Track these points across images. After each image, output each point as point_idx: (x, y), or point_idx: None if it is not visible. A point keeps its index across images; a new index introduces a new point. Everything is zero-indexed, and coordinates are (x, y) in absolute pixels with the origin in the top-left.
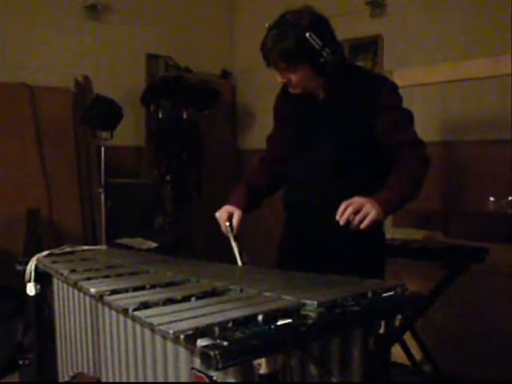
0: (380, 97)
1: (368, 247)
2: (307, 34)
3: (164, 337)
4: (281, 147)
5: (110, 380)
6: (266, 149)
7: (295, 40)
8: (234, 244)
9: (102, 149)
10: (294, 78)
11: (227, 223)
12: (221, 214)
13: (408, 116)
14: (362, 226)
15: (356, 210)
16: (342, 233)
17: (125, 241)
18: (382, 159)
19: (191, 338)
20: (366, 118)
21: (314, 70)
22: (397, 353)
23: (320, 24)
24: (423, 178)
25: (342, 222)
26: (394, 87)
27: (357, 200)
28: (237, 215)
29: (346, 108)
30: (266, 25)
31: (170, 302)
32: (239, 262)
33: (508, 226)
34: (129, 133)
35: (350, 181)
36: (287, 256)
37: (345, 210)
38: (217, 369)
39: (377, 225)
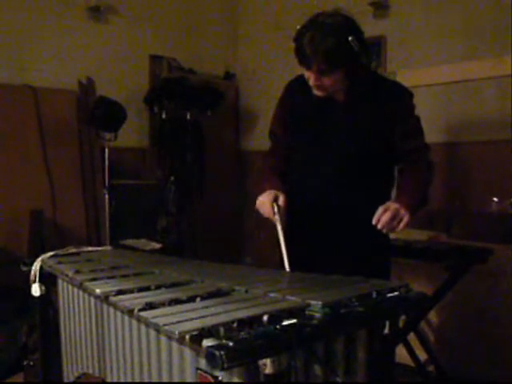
0: (401, 104)
1: (375, 248)
2: (350, 38)
3: (169, 337)
4: (288, 142)
5: (115, 380)
6: (273, 144)
7: (338, 42)
8: (280, 230)
9: (106, 150)
10: (327, 80)
11: (274, 205)
12: (264, 198)
13: (420, 123)
14: (398, 229)
15: (393, 215)
16: (351, 234)
17: (129, 242)
18: (392, 162)
19: (196, 338)
20: (385, 123)
21: (348, 74)
22: (400, 353)
23: (358, 28)
24: (431, 183)
25: (380, 226)
26: (411, 95)
27: (392, 205)
28: (282, 197)
29: (366, 112)
30: (298, 27)
31: (175, 302)
32: (286, 261)
33: (511, 227)
34: (132, 134)
35: (364, 184)
36: (294, 257)
37: (382, 214)
38: (222, 369)
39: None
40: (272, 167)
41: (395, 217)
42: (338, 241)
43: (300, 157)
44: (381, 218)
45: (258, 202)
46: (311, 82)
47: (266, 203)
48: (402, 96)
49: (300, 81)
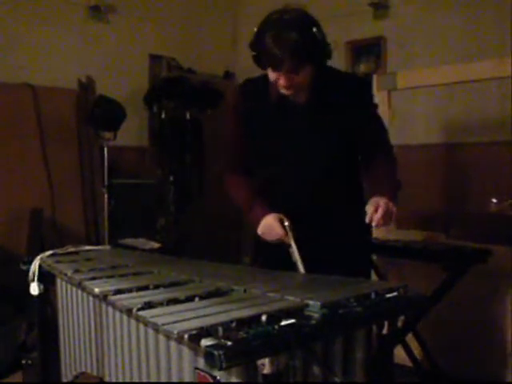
0: (362, 97)
1: (358, 247)
2: (314, 29)
3: (168, 336)
4: (248, 150)
5: (114, 380)
6: (233, 156)
7: (303, 36)
8: (295, 248)
9: (105, 149)
10: (298, 78)
11: (286, 225)
12: (270, 221)
13: (378, 109)
14: (389, 223)
15: (385, 211)
16: (330, 235)
17: (128, 241)
18: (357, 155)
19: (195, 337)
20: (349, 118)
21: (314, 68)
22: (398, 354)
23: (315, 19)
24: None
25: (374, 224)
26: (369, 84)
27: (381, 201)
28: (285, 217)
29: (329, 111)
30: (254, 29)
31: (173, 301)
32: (301, 269)
33: (510, 228)
34: (132, 133)
35: (339, 181)
36: (272, 259)
37: (374, 212)
38: (220, 368)
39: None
40: (250, 194)
41: (387, 212)
42: (318, 243)
43: (266, 164)
44: (373, 216)
45: (262, 228)
46: (281, 83)
47: (275, 225)
48: (362, 88)
49: (251, 85)
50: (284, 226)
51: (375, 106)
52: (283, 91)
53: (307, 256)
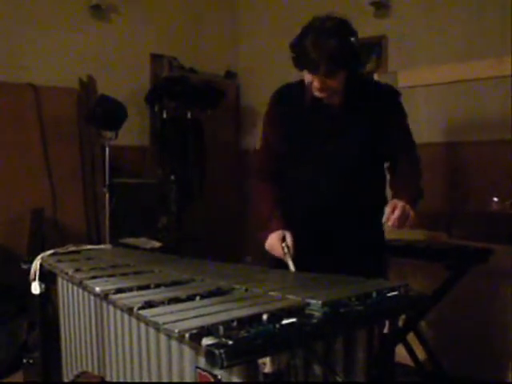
0: (394, 104)
1: (373, 247)
2: (352, 39)
3: (169, 336)
4: (281, 153)
5: (115, 379)
6: (264, 161)
7: (341, 43)
8: (292, 266)
9: (107, 148)
10: (332, 82)
11: (284, 245)
12: (273, 241)
13: (407, 119)
14: (406, 225)
15: (402, 213)
16: (351, 235)
17: (129, 240)
18: (384, 160)
19: (196, 336)
20: (381, 124)
21: (350, 74)
22: (400, 353)
23: (354, 29)
24: (422, 176)
25: (390, 224)
26: (400, 94)
27: (399, 203)
28: (289, 236)
29: (362, 114)
30: (299, 30)
31: (174, 301)
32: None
33: (511, 227)
34: (133, 133)
35: (363, 183)
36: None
37: (392, 213)
38: (221, 367)
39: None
40: (269, 210)
41: (403, 214)
42: (338, 242)
43: (297, 165)
44: (390, 216)
45: (267, 246)
46: (316, 85)
47: (276, 246)
48: (394, 96)
49: (286, 90)
50: (283, 247)
51: (405, 117)
52: (317, 93)
53: (324, 253)
